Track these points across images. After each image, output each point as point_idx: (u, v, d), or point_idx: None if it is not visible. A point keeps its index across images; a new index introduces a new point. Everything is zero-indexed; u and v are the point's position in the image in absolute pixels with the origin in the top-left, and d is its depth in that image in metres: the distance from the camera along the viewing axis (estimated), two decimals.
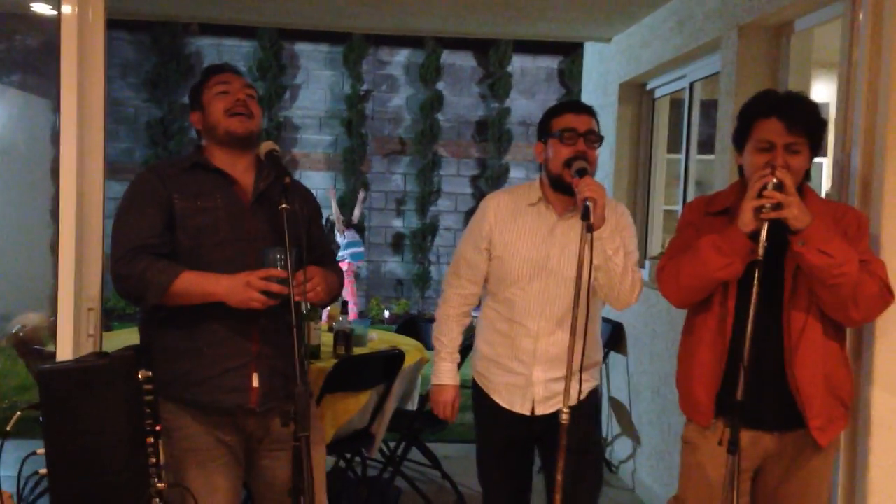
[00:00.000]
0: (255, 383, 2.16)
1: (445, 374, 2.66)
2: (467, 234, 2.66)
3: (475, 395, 2.70)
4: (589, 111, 2.55)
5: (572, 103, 2.64)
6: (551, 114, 2.57)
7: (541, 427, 2.56)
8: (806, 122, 2.13)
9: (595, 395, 2.64)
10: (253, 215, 2.20)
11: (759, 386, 2.11)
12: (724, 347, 2.20)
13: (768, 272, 2.07)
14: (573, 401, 2.17)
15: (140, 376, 1.83)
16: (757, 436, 2.21)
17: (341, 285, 2.40)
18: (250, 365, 2.16)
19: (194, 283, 2.06)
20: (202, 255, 2.13)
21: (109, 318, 8.11)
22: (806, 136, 2.13)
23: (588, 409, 2.53)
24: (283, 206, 2.02)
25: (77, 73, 2.29)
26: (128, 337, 4.23)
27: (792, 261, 2.14)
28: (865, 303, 2.07)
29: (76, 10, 2.31)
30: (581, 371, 2.28)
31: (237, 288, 2.04)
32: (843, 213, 2.22)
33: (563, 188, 2.48)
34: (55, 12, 2.35)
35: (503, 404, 2.58)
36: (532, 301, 2.52)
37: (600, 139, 2.50)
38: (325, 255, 2.42)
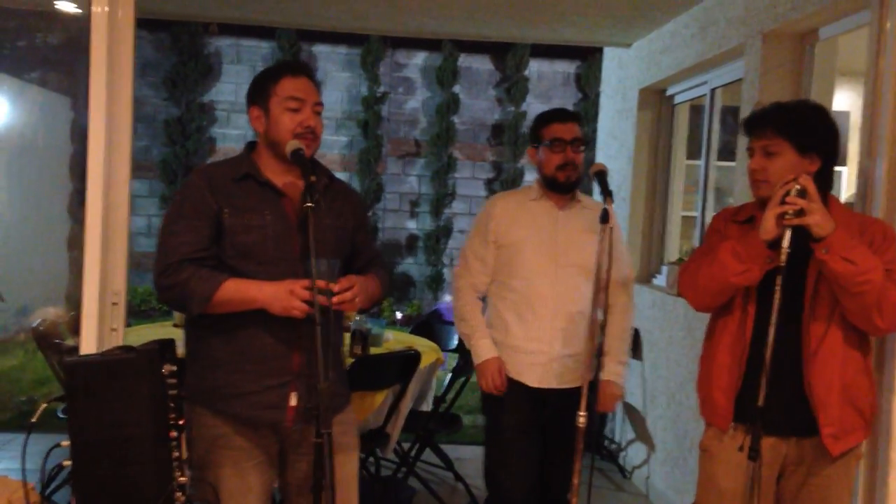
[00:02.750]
0: (293, 402, 2.15)
1: (485, 350, 2.88)
2: (474, 231, 2.95)
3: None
4: (574, 118, 2.89)
5: (558, 112, 2.94)
6: (540, 122, 2.92)
7: (551, 409, 2.84)
8: (780, 124, 2.15)
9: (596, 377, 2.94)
10: (299, 232, 2.14)
11: (778, 391, 2.11)
12: (744, 351, 2.21)
13: (791, 279, 2.07)
14: (579, 383, 2.52)
15: (165, 371, 1.84)
16: (775, 441, 2.20)
17: (386, 286, 2.36)
18: (290, 384, 2.15)
19: (237, 291, 2.06)
20: (247, 273, 2.11)
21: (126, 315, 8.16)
22: (785, 138, 2.14)
23: (591, 392, 2.79)
24: (308, 204, 2.00)
25: (106, 71, 2.31)
26: (146, 333, 4.26)
27: (814, 268, 2.14)
28: (890, 311, 2.06)
29: (107, 9, 2.32)
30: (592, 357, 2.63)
31: (280, 294, 2.03)
32: (870, 223, 2.22)
33: (556, 188, 2.86)
34: (80, 10, 2.37)
35: (528, 382, 2.84)
36: (547, 283, 2.81)
37: (585, 143, 2.88)
38: (372, 260, 2.39)
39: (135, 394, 1.81)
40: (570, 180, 2.83)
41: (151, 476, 1.84)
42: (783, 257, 2.03)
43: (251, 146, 2.26)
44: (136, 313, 9.10)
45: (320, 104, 2.23)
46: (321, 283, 1.98)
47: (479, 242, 2.91)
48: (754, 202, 2.33)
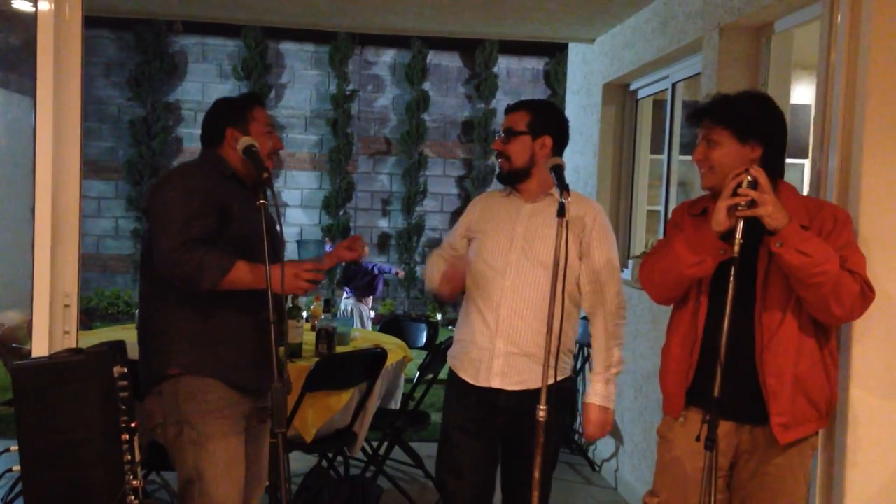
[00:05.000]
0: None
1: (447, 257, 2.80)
2: (456, 224, 2.91)
3: (448, 378, 2.78)
4: (514, 108, 2.75)
5: (508, 105, 2.84)
6: None
7: (506, 413, 2.61)
8: (718, 114, 2.19)
9: (566, 383, 2.68)
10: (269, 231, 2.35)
11: (732, 380, 2.12)
12: (696, 341, 2.23)
13: (742, 269, 2.08)
14: (532, 386, 2.48)
15: (115, 373, 1.82)
16: (728, 429, 2.22)
17: None
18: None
19: (249, 272, 2.27)
20: (245, 258, 2.31)
21: (91, 318, 8.07)
22: (724, 127, 2.18)
23: (558, 399, 2.49)
24: (262, 201, 2.03)
25: (53, 69, 2.28)
26: (110, 336, 4.20)
27: (764, 259, 2.15)
28: (848, 300, 2.08)
29: (53, 6, 2.29)
30: (547, 356, 2.30)
31: (287, 277, 2.24)
32: (820, 208, 2.23)
33: (502, 178, 2.75)
34: (34, 9, 2.33)
35: (468, 379, 2.65)
36: (498, 275, 2.64)
37: (517, 134, 2.67)
38: None
39: (84, 397, 1.78)
40: (501, 170, 2.71)
41: (103, 480, 1.82)
42: (736, 248, 2.04)
43: (209, 154, 2.50)
44: (104, 316, 9.00)
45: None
46: (309, 265, 2.32)
47: (453, 232, 2.89)
48: (709, 194, 2.34)
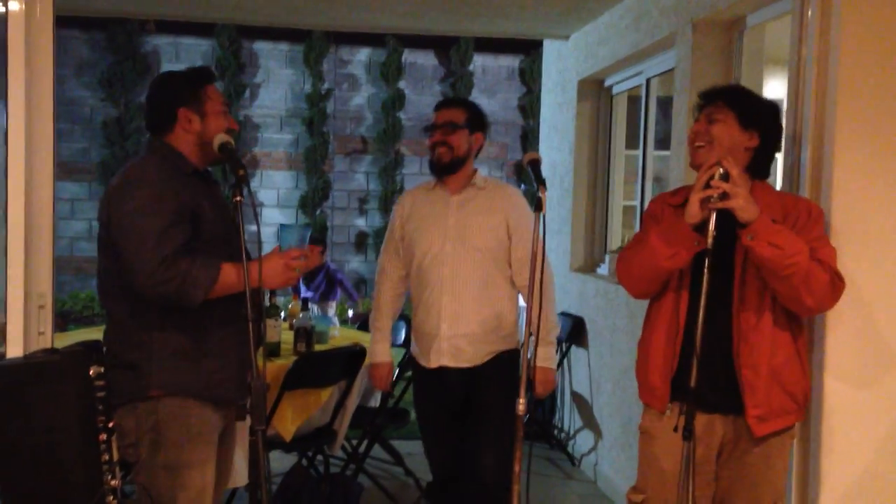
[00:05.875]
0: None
1: (379, 354, 3.13)
2: (388, 229, 3.13)
3: (412, 369, 3.16)
4: (451, 104, 3.10)
5: (441, 101, 3.17)
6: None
7: (455, 387, 2.96)
8: (730, 97, 2.25)
9: (507, 356, 3.02)
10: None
11: (711, 372, 2.16)
12: (678, 334, 2.25)
13: (720, 262, 2.11)
14: (479, 362, 2.94)
15: (92, 372, 1.80)
16: (711, 420, 2.25)
17: None
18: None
19: (238, 273, 2.12)
20: (221, 258, 2.19)
21: (66, 320, 7.97)
22: (731, 109, 2.22)
23: (497, 370, 2.95)
24: (238, 198, 2.00)
25: (25, 70, 2.25)
26: (85, 337, 4.15)
27: (741, 252, 2.18)
28: (818, 290, 2.11)
29: (23, 7, 2.26)
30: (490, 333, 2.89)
31: (277, 270, 2.18)
32: (794, 203, 2.27)
33: (434, 169, 3.01)
34: (3, 9, 2.30)
35: (422, 362, 3.01)
36: (435, 265, 2.94)
37: (460, 128, 2.97)
38: None
39: (60, 397, 1.76)
40: (442, 161, 2.96)
41: (81, 480, 1.80)
42: (710, 240, 2.06)
43: (160, 145, 2.27)
44: (79, 319, 8.90)
45: None
46: (295, 252, 2.23)
47: (389, 238, 3.10)
48: (689, 186, 2.35)
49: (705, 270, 2.06)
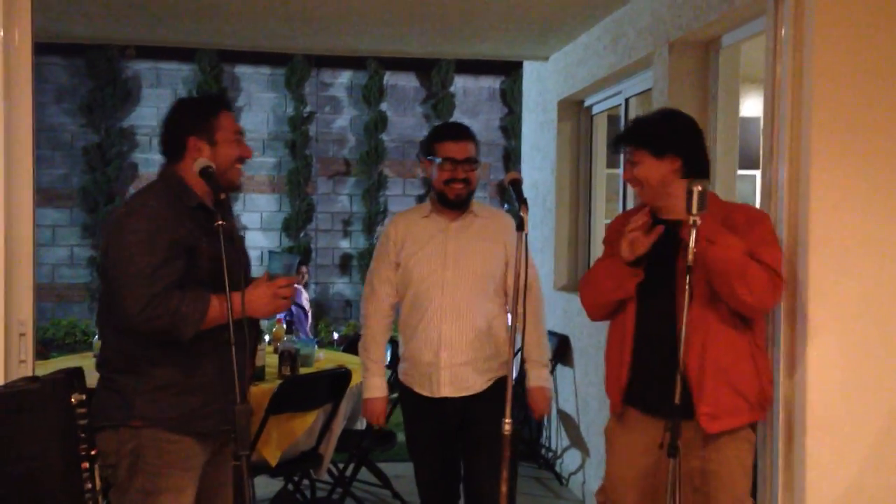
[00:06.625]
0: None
1: (375, 388, 2.98)
2: (377, 254, 3.00)
3: (401, 395, 3.03)
4: (467, 136, 2.93)
5: (452, 129, 3.00)
6: (434, 138, 2.95)
7: (457, 417, 2.88)
8: (634, 138, 2.43)
9: (505, 382, 2.86)
10: (236, 252, 2.24)
11: (661, 377, 2.27)
12: (626, 343, 2.43)
13: (664, 271, 2.33)
14: (483, 386, 2.82)
15: (73, 400, 1.78)
16: (664, 425, 2.28)
17: None
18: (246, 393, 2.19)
19: (221, 307, 2.10)
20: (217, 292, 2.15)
21: (48, 348, 7.88)
22: (642, 148, 2.39)
23: (496, 396, 2.78)
24: (220, 222, 2.01)
25: (3, 96, 2.24)
26: (67, 364, 4.11)
27: (683, 260, 2.27)
28: (757, 287, 2.23)
29: (2, 33, 2.25)
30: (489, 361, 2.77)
31: (264, 299, 2.18)
32: (734, 210, 2.44)
33: (447, 203, 2.89)
34: None
35: (423, 392, 2.90)
36: (435, 293, 2.85)
37: (477, 163, 2.91)
38: None
39: (41, 426, 1.75)
40: (461, 197, 2.88)
41: None
42: (690, 256, 2.15)
43: (169, 174, 2.28)
44: (61, 346, 8.80)
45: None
46: (283, 280, 2.21)
47: (382, 264, 2.95)
48: (642, 204, 2.53)
49: (686, 287, 2.15)
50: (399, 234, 2.94)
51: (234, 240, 2.26)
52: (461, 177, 2.84)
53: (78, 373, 1.83)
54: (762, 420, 2.45)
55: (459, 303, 2.84)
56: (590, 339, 4.46)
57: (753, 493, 2.69)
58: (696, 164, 2.41)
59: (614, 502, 2.47)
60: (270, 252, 10.09)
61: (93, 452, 1.82)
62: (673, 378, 2.25)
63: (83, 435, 1.80)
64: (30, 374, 2.27)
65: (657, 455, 2.28)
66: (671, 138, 2.40)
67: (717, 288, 2.27)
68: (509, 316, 2.99)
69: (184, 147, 2.25)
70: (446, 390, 2.85)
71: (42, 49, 9.52)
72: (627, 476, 2.42)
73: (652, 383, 2.33)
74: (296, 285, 2.60)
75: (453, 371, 2.84)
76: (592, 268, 2.61)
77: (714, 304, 2.31)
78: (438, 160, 2.86)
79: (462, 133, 2.93)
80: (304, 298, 8.18)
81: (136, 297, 2.06)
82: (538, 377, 2.97)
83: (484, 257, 2.87)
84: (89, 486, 1.80)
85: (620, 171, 4.41)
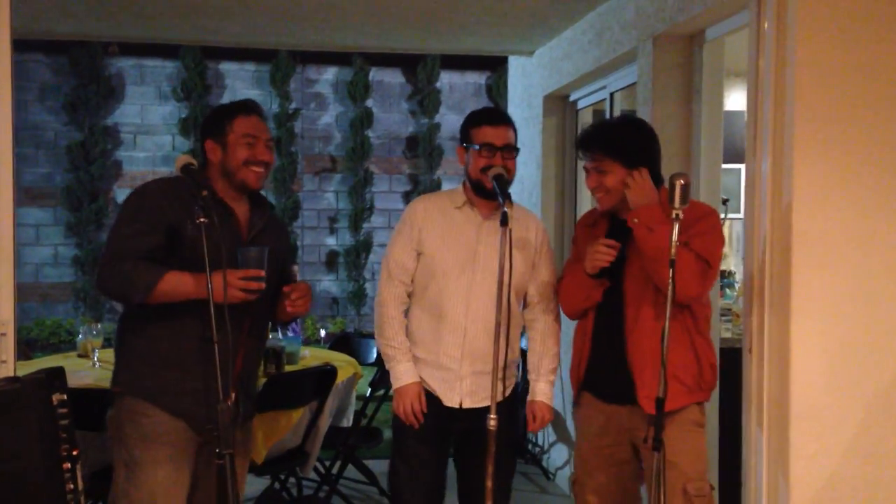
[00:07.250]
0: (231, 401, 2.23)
1: (406, 374, 2.66)
2: (396, 236, 2.73)
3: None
4: (506, 121, 2.72)
5: (491, 114, 2.76)
6: (471, 123, 2.72)
7: (464, 423, 2.67)
8: (607, 148, 2.50)
9: (515, 391, 2.84)
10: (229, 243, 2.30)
11: (611, 365, 2.49)
12: (587, 333, 2.59)
13: (614, 268, 2.49)
14: (498, 398, 2.43)
15: (54, 400, 1.77)
16: (613, 409, 2.53)
17: None
18: (231, 385, 2.23)
19: (178, 283, 2.23)
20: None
21: (32, 348, 7.83)
22: (615, 159, 2.48)
23: (510, 406, 2.72)
24: (201, 219, 2.02)
25: None
26: (50, 364, 4.08)
27: (632, 257, 2.47)
28: (685, 273, 2.33)
29: None
30: (505, 369, 2.53)
31: (218, 285, 2.18)
32: (690, 207, 2.47)
33: (484, 193, 2.64)
34: None
35: (444, 401, 2.66)
36: (460, 296, 2.63)
37: (517, 151, 2.69)
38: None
39: (22, 426, 1.73)
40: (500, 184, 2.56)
41: None
42: (674, 250, 2.22)
43: (196, 169, 2.36)
44: (45, 347, 8.74)
45: (272, 140, 2.52)
46: (252, 272, 2.25)
47: (401, 249, 2.69)
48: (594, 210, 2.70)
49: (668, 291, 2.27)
50: (422, 220, 2.68)
51: (239, 234, 2.40)
52: (499, 164, 2.59)
53: (59, 373, 1.81)
54: (706, 401, 2.56)
55: (483, 309, 2.60)
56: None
57: (737, 483, 2.72)
58: (657, 173, 2.55)
59: (582, 483, 2.60)
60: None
61: (74, 452, 1.80)
62: (619, 367, 2.48)
63: (64, 435, 1.78)
64: (11, 374, 2.25)
65: (613, 439, 2.53)
66: (643, 151, 2.53)
67: (650, 274, 2.41)
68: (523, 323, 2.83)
69: (204, 149, 2.46)
70: (467, 400, 2.64)
71: (25, 46, 9.44)
72: (591, 455, 2.57)
73: (601, 371, 2.54)
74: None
75: (473, 380, 2.64)
76: (563, 278, 2.69)
77: (653, 298, 2.44)
78: (476, 147, 2.63)
79: (501, 117, 2.72)
80: None
81: (104, 261, 2.28)
82: (542, 392, 2.74)
83: (517, 264, 2.57)
84: (71, 486, 1.78)
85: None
